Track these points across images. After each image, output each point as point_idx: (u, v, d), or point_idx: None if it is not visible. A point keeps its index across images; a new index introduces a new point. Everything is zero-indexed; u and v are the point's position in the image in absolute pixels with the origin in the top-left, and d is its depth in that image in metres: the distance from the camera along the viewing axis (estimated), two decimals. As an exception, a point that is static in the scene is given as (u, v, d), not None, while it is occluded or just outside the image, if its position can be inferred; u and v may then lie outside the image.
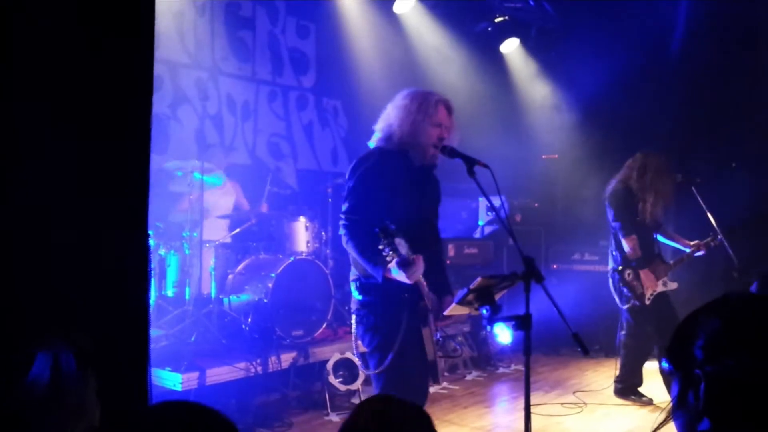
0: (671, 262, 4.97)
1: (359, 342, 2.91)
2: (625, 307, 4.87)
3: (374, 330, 2.79)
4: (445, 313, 2.75)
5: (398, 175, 2.81)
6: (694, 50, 6.25)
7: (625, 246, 4.81)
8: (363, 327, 2.84)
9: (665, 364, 1.14)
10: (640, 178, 4.82)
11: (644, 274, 4.78)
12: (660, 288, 4.83)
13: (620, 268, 4.86)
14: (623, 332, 4.97)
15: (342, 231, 2.81)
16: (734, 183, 5.79)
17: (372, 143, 2.95)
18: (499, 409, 4.94)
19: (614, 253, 4.93)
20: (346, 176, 2.89)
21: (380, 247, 2.53)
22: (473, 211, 7.16)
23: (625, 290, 4.84)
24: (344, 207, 2.83)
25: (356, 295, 2.87)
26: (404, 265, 2.59)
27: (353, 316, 2.90)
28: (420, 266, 2.65)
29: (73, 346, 1.53)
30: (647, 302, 4.79)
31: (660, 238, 5.04)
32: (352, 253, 2.79)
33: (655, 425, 1.13)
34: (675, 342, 1.13)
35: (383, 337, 2.75)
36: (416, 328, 2.77)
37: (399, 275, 2.64)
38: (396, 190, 2.80)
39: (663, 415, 1.13)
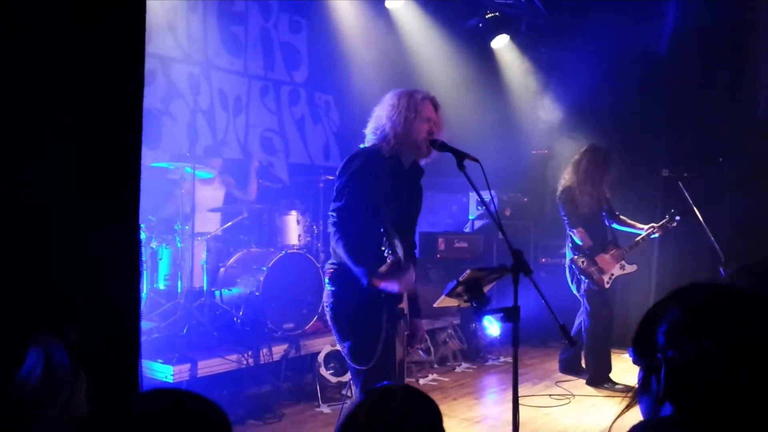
0: (626, 246, 5.19)
1: (337, 335, 2.86)
2: (582, 292, 5.14)
3: (349, 323, 2.78)
4: (435, 305, 2.78)
5: (387, 177, 2.82)
6: (682, 46, 6.31)
7: (575, 238, 5.10)
8: (337, 321, 2.82)
9: (631, 353, 1.17)
10: (577, 172, 5.14)
11: (600, 259, 5.08)
12: (618, 271, 5.13)
13: (575, 257, 5.14)
14: (584, 319, 5.18)
15: (331, 228, 2.80)
16: (721, 178, 5.86)
17: (364, 145, 2.95)
18: (488, 401, 5.00)
19: (570, 245, 5.22)
20: (337, 174, 2.89)
21: (382, 248, 2.52)
22: (464, 205, 7.21)
23: (582, 278, 5.10)
24: (334, 205, 2.82)
25: (329, 287, 2.85)
26: (397, 270, 2.56)
27: (327, 308, 2.85)
28: (412, 276, 2.66)
29: (66, 342, 1.54)
30: (606, 286, 5.08)
31: (615, 226, 5.30)
32: (340, 251, 2.75)
33: (620, 410, 1.17)
34: (640, 330, 1.15)
35: (362, 332, 2.73)
36: (392, 327, 2.73)
37: (388, 284, 2.61)
38: (385, 192, 2.81)
39: (627, 400, 1.16)
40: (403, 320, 2.74)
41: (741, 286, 1.11)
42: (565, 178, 5.24)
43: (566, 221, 5.15)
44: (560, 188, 5.23)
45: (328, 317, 2.88)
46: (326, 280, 2.88)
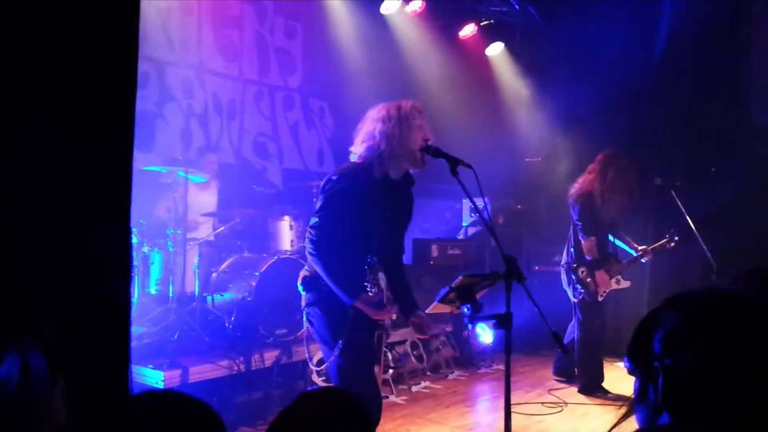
0: (625, 262, 5.16)
1: (312, 344, 2.98)
2: (576, 300, 5.10)
3: (322, 326, 2.87)
4: (427, 311, 2.79)
5: (372, 197, 2.83)
6: (675, 55, 6.34)
7: (584, 246, 5.01)
8: (313, 324, 2.91)
9: (626, 362, 1.15)
10: (603, 179, 4.98)
11: (599, 275, 5.03)
12: (613, 286, 5.09)
13: (575, 265, 5.07)
14: (576, 328, 5.16)
15: (309, 246, 2.84)
16: (713, 187, 5.88)
17: (353, 158, 2.95)
18: (481, 408, 4.99)
19: (571, 249, 5.14)
20: (319, 188, 2.92)
21: (365, 284, 2.64)
22: (457, 212, 7.21)
23: (578, 286, 5.05)
24: (312, 221, 2.87)
25: (302, 291, 2.94)
26: (378, 306, 2.73)
27: (304, 315, 2.95)
28: (391, 315, 2.81)
29: (43, 346, 1.52)
30: (600, 299, 5.05)
31: (611, 237, 5.23)
32: (318, 270, 2.83)
33: (616, 420, 1.15)
34: (635, 338, 1.14)
35: (332, 331, 2.83)
36: (365, 329, 2.83)
37: (367, 310, 2.75)
38: (367, 212, 2.83)
39: (624, 410, 1.15)
40: (377, 329, 2.88)
41: (741, 291, 1.10)
42: (586, 182, 5.06)
43: (579, 226, 5.01)
44: (578, 192, 5.06)
45: (305, 323, 2.97)
46: (299, 284, 2.96)
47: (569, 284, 5.17)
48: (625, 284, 5.15)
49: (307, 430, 1.29)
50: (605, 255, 5.10)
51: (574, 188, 5.13)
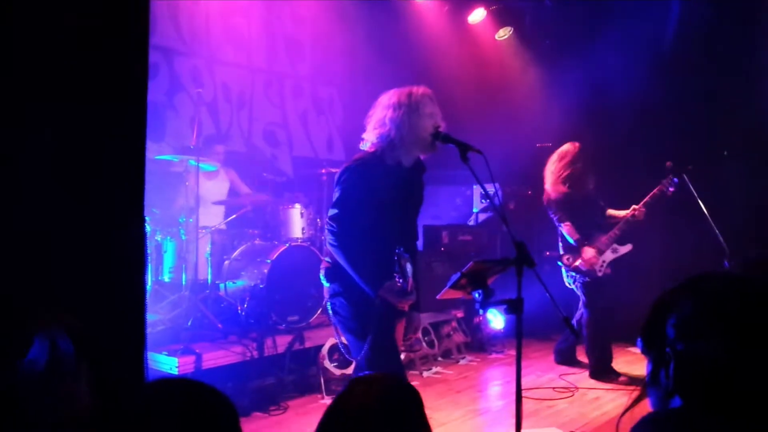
0: (615, 229, 5.16)
1: (339, 331, 2.97)
2: (577, 285, 5.16)
3: (349, 317, 2.86)
4: (439, 297, 2.80)
5: (385, 185, 2.84)
6: (687, 39, 6.27)
7: (565, 233, 5.14)
8: (338, 316, 2.90)
9: (639, 343, 1.16)
10: (554, 174, 5.19)
11: (585, 251, 5.08)
12: (609, 256, 5.12)
13: (561, 254, 5.21)
14: (583, 311, 5.21)
15: (329, 237, 2.84)
16: (725, 171, 5.84)
17: (364, 146, 2.96)
18: (492, 393, 5.02)
19: (559, 244, 5.27)
20: (335, 181, 2.92)
21: (394, 274, 2.67)
22: (468, 198, 7.19)
23: (573, 273, 5.15)
24: (331, 213, 2.86)
25: (325, 283, 2.93)
26: (402, 295, 2.75)
27: (328, 305, 2.94)
28: (412, 300, 2.83)
29: (70, 333, 1.55)
30: (599, 274, 5.08)
31: (605, 220, 5.28)
32: (340, 260, 2.83)
33: (630, 402, 1.16)
34: (648, 319, 1.15)
35: (359, 322, 2.82)
36: (390, 318, 2.85)
37: (391, 299, 2.75)
38: (383, 200, 2.83)
39: (637, 393, 1.16)
40: (400, 317, 2.91)
41: (755, 280, 1.10)
42: (547, 185, 5.26)
43: (555, 219, 5.20)
44: (545, 196, 5.25)
45: (329, 312, 2.96)
46: (321, 276, 2.96)
47: (567, 274, 5.24)
48: (624, 249, 5.15)
49: (367, 416, 1.29)
50: (588, 232, 5.14)
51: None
